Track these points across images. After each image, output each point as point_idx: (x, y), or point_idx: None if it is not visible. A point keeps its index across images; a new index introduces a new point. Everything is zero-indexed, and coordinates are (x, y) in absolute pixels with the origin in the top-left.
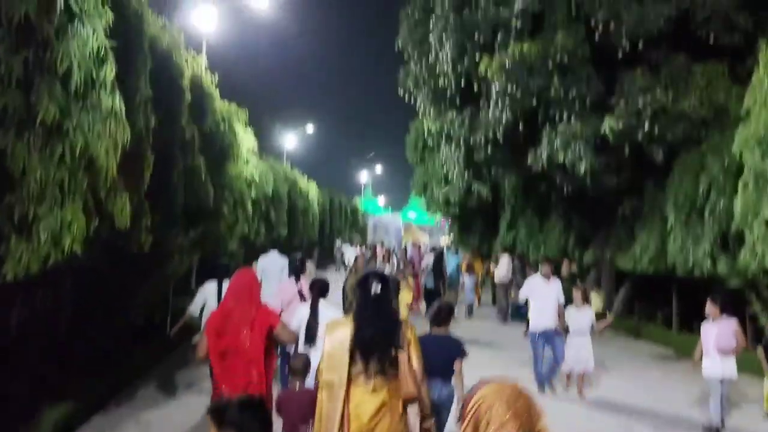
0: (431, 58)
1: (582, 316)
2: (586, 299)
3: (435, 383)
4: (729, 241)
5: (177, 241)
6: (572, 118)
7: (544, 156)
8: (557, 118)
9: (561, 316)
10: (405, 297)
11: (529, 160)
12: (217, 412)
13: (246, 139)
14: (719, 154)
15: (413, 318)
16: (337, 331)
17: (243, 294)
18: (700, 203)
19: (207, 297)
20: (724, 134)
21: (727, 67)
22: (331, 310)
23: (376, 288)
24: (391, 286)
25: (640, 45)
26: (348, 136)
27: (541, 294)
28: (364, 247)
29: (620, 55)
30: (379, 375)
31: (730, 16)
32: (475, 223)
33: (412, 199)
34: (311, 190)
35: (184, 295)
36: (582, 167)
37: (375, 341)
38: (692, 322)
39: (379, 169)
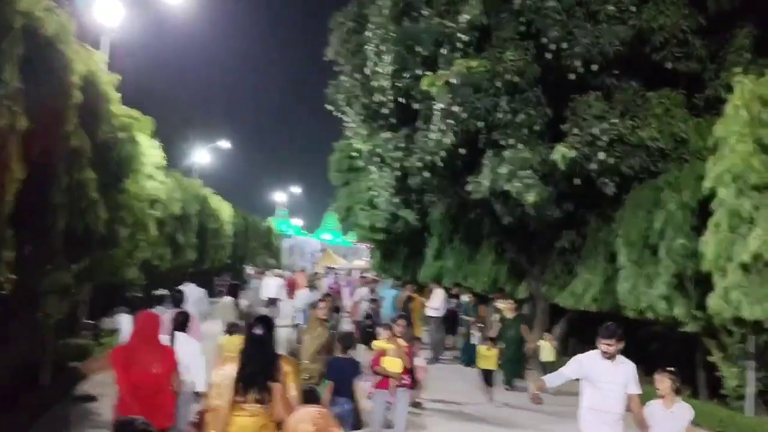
0: (366, 71)
1: (675, 419)
2: (677, 390)
3: (339, 400)
4: (686, 284)
5: (56, 276)
6: (520, 144)
7: (486, 184)
8: (504, 143)
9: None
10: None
11: (469, 188)
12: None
13: (151, 153)
14: (677, 188)
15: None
16: (225, 366)
17: (147, 335)
18: (655, 241)
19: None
20: (683, 167)
21: (684, 96)
22: (191, 344)
23: (259, 330)
24: (273, 331)
25: (595, 68)
26: (265, 153)
27: (603, 379)
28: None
29: (573, 77)
30: (258, 403)
31: (688, 41)
32: (400, 251)
33: (327, 219)
34: (224, 210)
35: (72, 335)
36: (530, 197)
37: (255, 376)
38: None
39: (296, 189)
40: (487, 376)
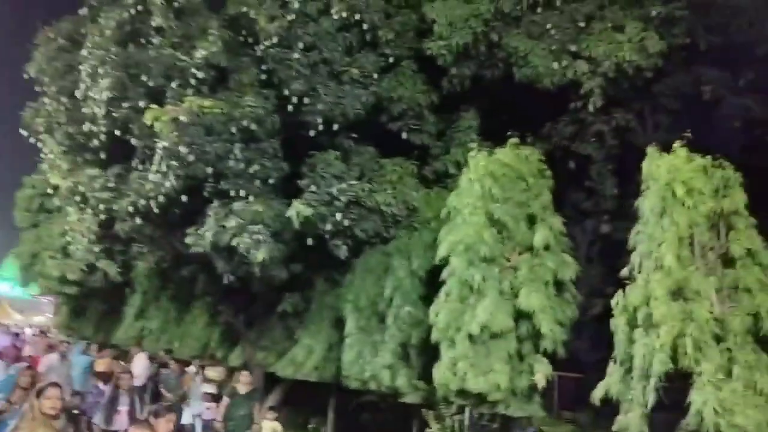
0: (78, 94)
1: None
2: None
3: None
4: (410, 353)
5: None
6: (251, 196)
7: (210, 237)
8: (234, 194)
9: None
10: None
11: (189, 240)
12: None
13: None
14: (407, 255)
15: None
16: None
17: None
18: (383, 308)
19: None
20: (413, 235)
21: (415, 167)
22: None
23: None
24: None
25: (335, 127)
26: None
27: None
28: None
29: (313, 134)
30: None
31: (423, 115)
32: (93, 307)
33: (3, 266)
34: None
35: None
36: (260, 255)
37: None
38: None
39: None
40: None
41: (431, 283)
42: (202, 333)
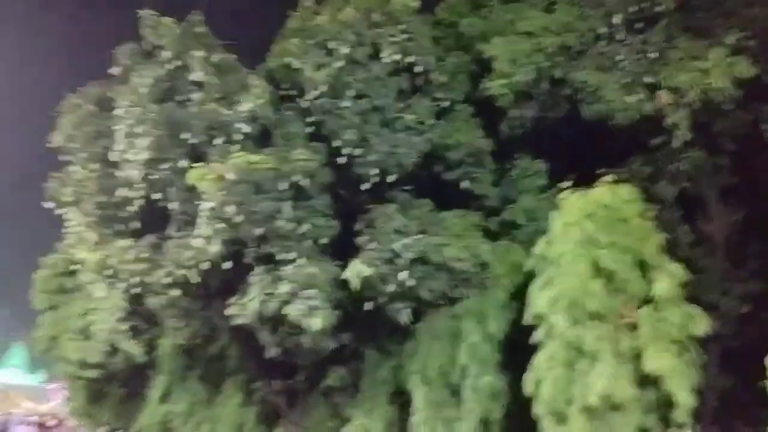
0: (114, 157)
1: None
2: None
3: None
4: (492, 430)
5: None
6: (301, 258)
7: (254, 306)
8: (282, 257)
9: None
10: None
11: (231, 311)
12: None
13: None
14: (480, 318)
15: None
16: None
17: None
18: (456, 379)
19: None
20: (485, 294)
21: (479, 218)
22: None
23: None
24: None
25: (391, 178)
26: None
27: None
28: None
29: (367, 187)
30: None
31: (482, 161)
32: (113, 391)
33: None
34: None
35: None
36: (317, 323)
37: None
38: None
39: None
40: None
41: (511, 348)
42: (235, 414)
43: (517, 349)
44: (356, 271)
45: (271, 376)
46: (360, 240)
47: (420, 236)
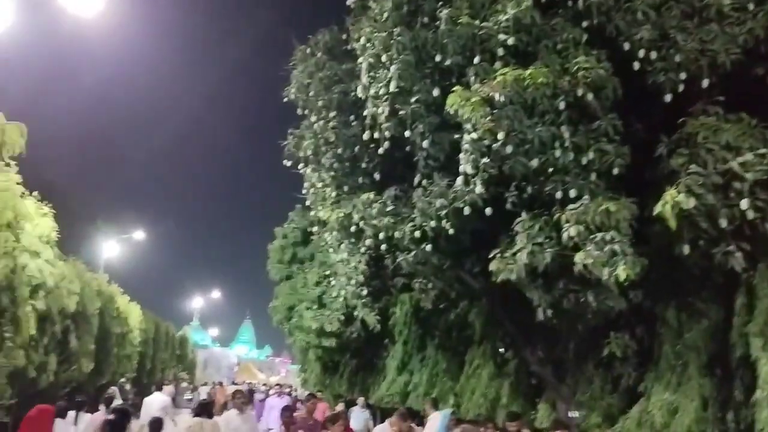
0: (358, 93)
1: None
2: None
3: None
4: None
5: None
6: (585, 196)
7: (522, 258)
8: (560, 195)
9: None
10: None
11: (494, 266)
12: None
13: (38, 221)
14: None
15: None
16: None
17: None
18: None
19: None
20: None
21: None
22: None
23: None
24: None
25: (705, 83)
26: (186, 252)
27: None
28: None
29: (669, 99)
30: None
31: None
32: (347, 362)
33: (243, 330)
34: (133, 313)
35: None
36: (622, 272)
37: None
38: None
39: (215, 294)
40: None
41: None
42: (489, 386)
43: None
44: (672, 201)
45: (532, 343)
46: (675, 162)
47: (764, 150)
